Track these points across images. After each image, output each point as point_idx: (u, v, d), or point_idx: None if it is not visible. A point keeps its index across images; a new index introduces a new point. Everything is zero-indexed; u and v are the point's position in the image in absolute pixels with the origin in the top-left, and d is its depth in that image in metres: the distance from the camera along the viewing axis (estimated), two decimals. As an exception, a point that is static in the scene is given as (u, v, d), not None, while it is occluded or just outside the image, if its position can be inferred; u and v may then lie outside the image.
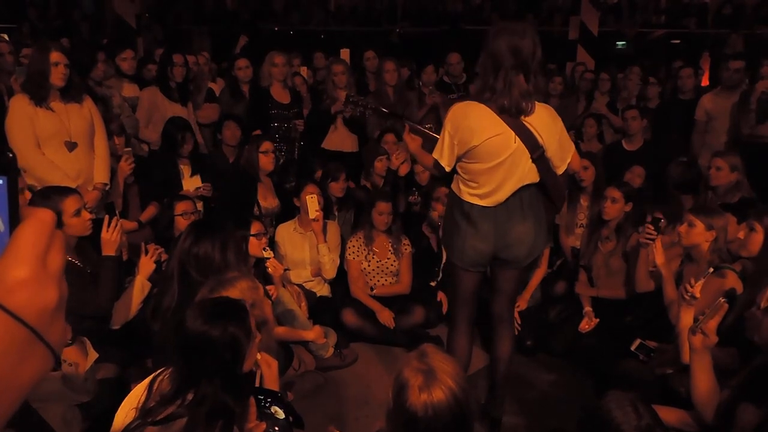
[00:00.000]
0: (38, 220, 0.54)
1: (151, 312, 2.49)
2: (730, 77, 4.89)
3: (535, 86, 2.44)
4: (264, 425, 1.74)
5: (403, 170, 4.40)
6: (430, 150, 2.62)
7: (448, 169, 2.53)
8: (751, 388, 1.86)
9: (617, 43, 9.38)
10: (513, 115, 2.39)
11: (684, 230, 2.88)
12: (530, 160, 2.44)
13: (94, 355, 2.19)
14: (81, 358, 2.12)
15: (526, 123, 2.41)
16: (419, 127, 2.92)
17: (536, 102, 2.43)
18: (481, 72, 2.47)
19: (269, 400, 1.82)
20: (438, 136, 2.59)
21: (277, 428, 1.78)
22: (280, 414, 1.82)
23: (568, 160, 2.56)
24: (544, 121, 2.44)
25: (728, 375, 2.08)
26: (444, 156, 2.51)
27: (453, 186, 2.61)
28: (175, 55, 4.54)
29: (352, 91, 4.92)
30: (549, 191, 2.59)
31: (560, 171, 2.57)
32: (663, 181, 4.14)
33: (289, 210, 4.12)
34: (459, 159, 2.49)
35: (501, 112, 2.39)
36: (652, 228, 3.09)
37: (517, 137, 2.40)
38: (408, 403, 1.50)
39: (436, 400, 1.49)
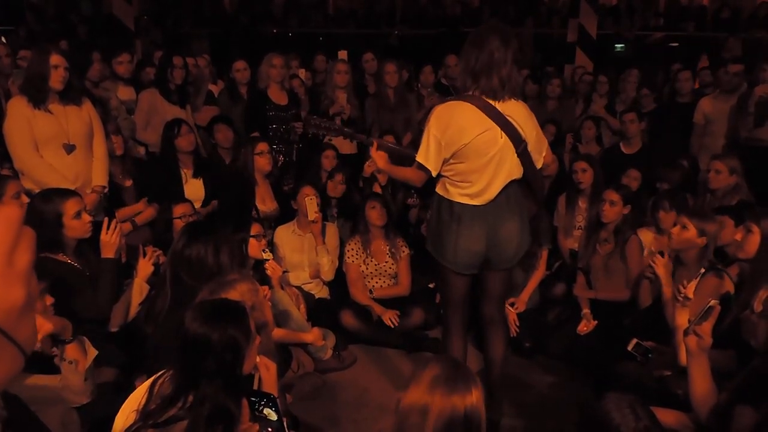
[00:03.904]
0: (3, 217, 0.52)
1: (144, 315, 2.48)
2: (729, 81, 4.91)
3: (514, 83, 2.48)
4: (257, 427, 1.74)
5: (382, 179, 4.37)
6: (401, 164, 2.63)
7: (434, 173, 2.51)
8: (748, 390, 1.86)
9: (616, 45, 9.40)
10: (496, 100, 2.42)
11: (676, 232, 2.88)
12: (515, 155, 2.49)
13: (93, 352, 2.19)
14: (80, 356, 2.12)
15: (508, 118, 2.44)
16: (386, 143, 2.85)
17: (512, 98, 2.48)
18: (468, 64, 2.44)
19: (262, 402, 1.82)
20: (408, 151, 2.62)
21: (270, 430, 1.78)
22: (273, 416, 1.81)
23: (544, 154, 2.63)
24: (523, 115, 2.50)
25: (726, 377, 2.08)
26: (430, 159, 2.47)
27: (438, 189, 2.60)
28: (174, 58, 4.53)
29: (352, 94, 4.93)
30: (532, 185, 2.65)
31: (539, 165, 2.62)
32: (660, 184, 4.15)
33: (287, 213, 4.12)
34: (446, 161, 2.49)
35: (483, 106, 2.41)
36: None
37: (503, 132, 2.44)
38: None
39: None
